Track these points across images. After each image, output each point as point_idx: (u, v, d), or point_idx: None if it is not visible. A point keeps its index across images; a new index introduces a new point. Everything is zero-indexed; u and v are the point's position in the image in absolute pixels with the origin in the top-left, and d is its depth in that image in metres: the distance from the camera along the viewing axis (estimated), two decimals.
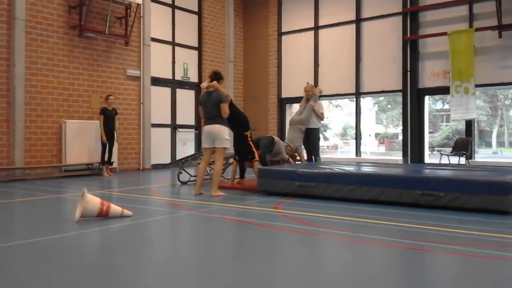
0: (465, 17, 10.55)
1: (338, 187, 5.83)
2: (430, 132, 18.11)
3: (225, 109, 6.36)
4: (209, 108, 6.45)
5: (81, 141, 9.85)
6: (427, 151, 11.63)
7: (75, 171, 9.73)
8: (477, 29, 10.15)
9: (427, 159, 11.42)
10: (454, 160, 10.13)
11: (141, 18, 11.29)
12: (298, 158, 8.46)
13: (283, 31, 13.59)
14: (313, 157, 8.57)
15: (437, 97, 24.71)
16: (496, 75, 10.17)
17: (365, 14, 12.11)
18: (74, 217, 4.55)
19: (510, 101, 30.73)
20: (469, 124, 10.72)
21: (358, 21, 12.15)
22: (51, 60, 9.59)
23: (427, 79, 11.12)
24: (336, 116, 33.06)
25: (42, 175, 9.35)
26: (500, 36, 9.81)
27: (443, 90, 11.04)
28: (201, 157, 7.07)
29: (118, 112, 10.24)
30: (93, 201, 4.57)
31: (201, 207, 5.44)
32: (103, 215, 4.59)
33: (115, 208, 4.68)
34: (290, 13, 13.46)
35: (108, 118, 9.74)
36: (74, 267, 3.02)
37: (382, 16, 11.78)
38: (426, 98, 11.51)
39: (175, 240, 4.11)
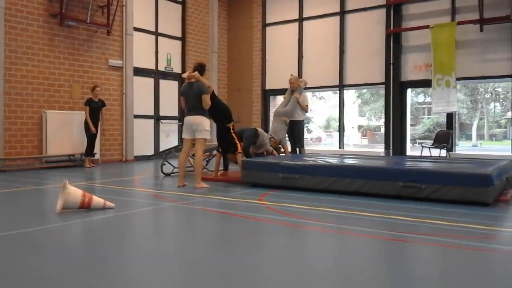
0: (447, 10, 10.65)
1: (322, 179, 5.86)
2: (411, 125, 18.30)
3: (206, 100, 6.33)
4: (190, 99, 6.41)
5: (62, 131, 9.70)
6: (408, 144, 11.77)
7: (56, 162, 9.60)
8: (459, 23, 10.26)
9: (409, 152, 11.55)
10: (435, 152, 10.28)
11: (124, 7, 11.13)
12: (282, 150, 8.48)
13: (267, 22, 13.54)
14: (297, 149, 8.60)
15: (419, 90, 25.02)
16: (477, 69, 10.31)
17: (349, 6, 12.13)
18: (55, 209, 4.49)
19: (490, 94, 31.24)
20: (450, 117, 10.87)
21: (342, 13, 12.17)
22: (31, 49, 9.39)
23: (409, 72, 11.21)
24: (319, 108, 33.22)
25: (23, 166, 9.19)
26: (481, 30, 9.92)
27: (425, 83, 11.15)
28: None
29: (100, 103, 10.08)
30: (75, 192, 4.51)
31: (184, 199, 5.42)
32: (85, 207, 4.53)
33: (97, 200, 4.63)
34: (275, 4, 13.41)
35: (94, 110, 9.60)
36: (57, 259, 2.98)
37: (366, 9, 11.81)
38: (408, 91, 11.62)
39: (158, 232, 4.08)
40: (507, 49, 9.90)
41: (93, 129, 9.50)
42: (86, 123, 9.57)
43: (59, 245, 3.41)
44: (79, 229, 4.02)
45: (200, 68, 6.53)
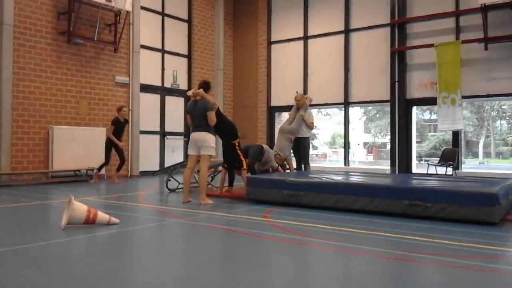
0: (451, 29, 10.71)
1: (327, 196, 5.84)
2: (417, 142, 18.27)
3: (211, 117, 6.37)
4: (195, 116, 6.46)
5: (68, 147, 9.76)
6: (414, 161, 11.73)
7: (62, 177, 9.63)
8: (464, 41, 10.30)
9: (414, 169, 11.51)
10: (441, 170, 10.22)
11: (131, 25, 11.28)
12: (287, 167, 8.48)
13: (272, 40, 13.66)
14: (302, 165, 8.60)
15: (424, 107, 25.00)
16: (483, 87, 10.31)
17: (353, 24, 12.23)
18: (60, 224, 4.50)
19: (497, 112, 31.16)
20: (456, 134, 10.84)
21: (347, 31, 12.27)
22: (39, 66, 9.52)
23: (414, 90, 11.23)
24: (325, 124, 33.24)
25: (29, 181, 9.23)
26: (486, 48, 9.95)
27: (431, 101, 11.15)
28: None
29: (107, 118, 10.16)
30: (80, 208, 4.52)
31: (189, 215, 5.41)
32: (90, 222, 4.54)
33: (102, 216, 4.64)
34: (280, 22, 13.54)
35: (119, 129, 9.61)
36: (61, 275, 2.98)
37: (370, 27, 11.90)
38: (414, 108, 11.63)
39: (162, 248, 4.07)
40: None
41: (121, 143, 9.55)
42: (109, 140, 9.52)
43: (63, 261, 3.41)
44: (83, 245, 4.02)
45: (205, 85, 6.59)
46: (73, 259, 3.55)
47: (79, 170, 9.77)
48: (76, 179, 9.73)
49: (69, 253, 3.74)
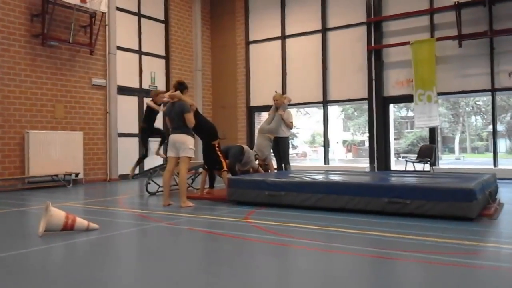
0: (426, 27, 10.88)
1: (308, 195, 5.86)
2: (395, 139, 18.50)
3: (189, 119, 6.33)
4: (173, 118, 6.43)
5: (45, 152, 9.57)
6: (393, 158, 11.88)
7: (39, 183, 9.45)
8: (438, 39, 10.48)
9: (393, 166, 11.66)
10: (419, 166, 10.38)
11: (106, 27, 11.12)
12: (268, 167, 8.47)
13: (250, 40, 13.65)
14: (283, 165, 8.61)
15: (401, 104, 25.33)
16: (458, 84, 10.51)
17: (330, 23, 12.31)
18: (38, 231, 4.41)
19: (472, 108, 31.78)
20: (432, 131, 11.02)
21: (324, 30, 12.34)
22: (12, 70, 9.31)
23: (391, 88, 11.38)
24: (304, 123, 33.39)
25: (4, 187, 9.02)
26: (460, 45, 10.14)
27: (407, 98, 11.31)
28: None
29: (84, 122, 10.00)
30: (58, 214, 4.44)
31: (169, 219, 5.37)
32: (68, 228, 4.46)
33: (80, 222, 4.56)
34: (257, 22, 13.54)
35: (155, 116, 8.80)
36: (40, 284, 2.92)
37: (347, 26, 12.00)
38: (391, 106, 11.77)
39: (143, 254, 4.03)
40: (486, 64, 10.12)
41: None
42: (144, 129, 8.80)
43: (40, 269, 3.34)
44: (61, 252, 3.94)
45: (179, 86, 6.53)
46: (52, 267, 3.49)
47: (56, 175, 9.60)
48: (54, 184, 9.56)
49: (48, 261, 3.67)
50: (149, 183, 8.10)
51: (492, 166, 10.41)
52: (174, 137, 6.40)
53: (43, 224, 4.37)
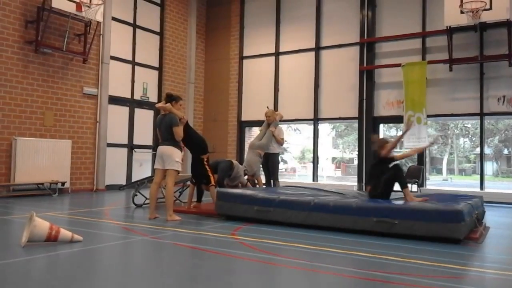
0: (418, 50, 11.02)
1: (296, 213, 5.85)
2: None
3: (177, 132, 6.32)
4: (162, 131, 6.42)
5: (32, 159, 9.45)
6: None
7: (25, 191, 9.32)
8: (430, 62, 10.61)
9: None
10: None
11: (101, 36, 11.11)
12: (256, 182, 8.45)
13: (244, 55, 13.72)
14: (272, 181, 8.60)
15: (391, 124, 25.52)
16: (447, 106, 10.61)
17: (324, 42, 12.42)
18: (20, 241, 4.33)
19: (460, 130, 32.12)
20: (421, 152, 11.08)
21: (318, 49, 12.45)
22: (4, 75, 9.23)
23: (382, 108, 11.47)
24: (294, 139, 33.48)
25: None
26: (450, 69, 10.27)
27: (397, 119, 11.40)
28: None
29: (73, 130, 9.91)
30: (41, 225, 4.37)
31: (155, 233, 5.31)
32: (52, 239, 4.39)
33: (64, 233, 4.50)
34: (252, 38, 13.62)
35: None
36: None
37: (340, 46, 12.11)
38: (381, 125, 11.85)
39: (126, 268, 3.97)
40: (475, 88, 10.25)
41: None
42: None
43: (21, 281, 3.27)
44: (43, 264, 3.87)
45: (169, 99, 6.52)
46: (34, 279, 3.42)
47: (42, 183, 9.48)
48: (39, 192, 9.43)
49: (30, 272, 3.60)
50: (136, 195, 8.03)
51: (478, 189, 10.47)
52: (161, 149, 6.38)
53: (26, 235, 4.30)
